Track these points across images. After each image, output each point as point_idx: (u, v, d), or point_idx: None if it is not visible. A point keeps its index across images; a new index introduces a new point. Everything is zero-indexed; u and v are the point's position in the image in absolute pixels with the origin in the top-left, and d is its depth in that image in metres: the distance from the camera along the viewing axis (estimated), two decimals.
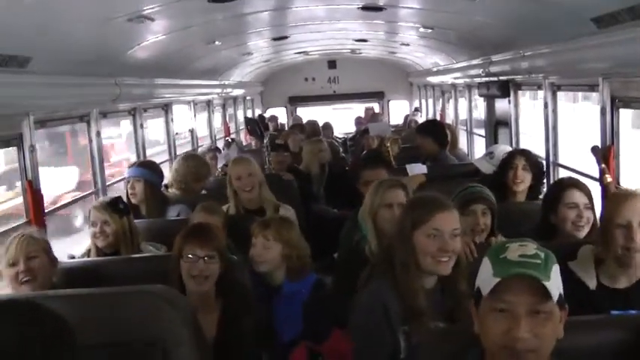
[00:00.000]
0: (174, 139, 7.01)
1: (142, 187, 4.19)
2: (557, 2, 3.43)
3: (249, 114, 11.68)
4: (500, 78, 5.75)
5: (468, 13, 4.54)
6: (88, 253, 3.45)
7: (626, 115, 3.94)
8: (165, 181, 4.68)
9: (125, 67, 4.69)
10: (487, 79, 6.09)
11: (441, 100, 10.05)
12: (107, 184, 5.08)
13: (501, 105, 6.39)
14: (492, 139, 6.81)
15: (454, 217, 2.43)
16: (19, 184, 4.03)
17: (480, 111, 7.71)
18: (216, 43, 5.96)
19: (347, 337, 2.60)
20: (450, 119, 9.01)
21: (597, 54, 3.52)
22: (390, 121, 11.91)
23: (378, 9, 5.15)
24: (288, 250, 3.19)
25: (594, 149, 3.80)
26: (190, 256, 2.74)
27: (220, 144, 8.58)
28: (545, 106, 4.87)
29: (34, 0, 2.71)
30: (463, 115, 8.37)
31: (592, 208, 3.08)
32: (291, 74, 12.25)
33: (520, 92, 5.79)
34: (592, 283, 2.49)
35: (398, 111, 12.74)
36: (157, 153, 7.81)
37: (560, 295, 1.67)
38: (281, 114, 12.50)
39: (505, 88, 5.76)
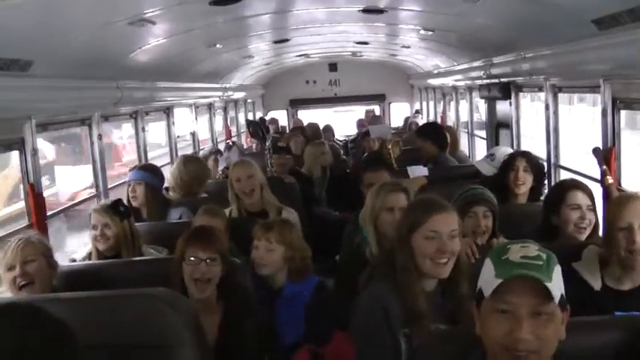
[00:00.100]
0: (176, 142, 7.02)
1: (143, 191, 4.20)
2: (557, 4, 3.43)
3: (251, 117, 11.67)
4: (501, 80, 5.74)
5: (469, 15, 4.54)
6: (88, 256, 3.45)
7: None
8: (165, 184, 4.68)
9: (127, 71, 4.70)
10: (488, 81, 6.08)
11: (442, 102, 10.04)
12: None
13: (502, 107, 6.39)
14: (493, 141, 6.81)
15: (451, 218, 2.41)
16: None
17: (481, 113, 7.71)
18: (218, 46, 5.97)
19: (349, 339, 2.59)
20: (451, 121, 9.01)
21: (598, 56, 3.52)
22: (391, 124, 11.89)
23: (379, 11, 5.15)
24: (290, 253, 3.19)
25: (595, 151, 3.78)
26: (192, 258, 2.74)
27: (222, 147, 8.57)
28: (547, 107, 4.87)
29: (35, 4, 2.72)
30: (464, 117, 8.37)
31: (594, 210, 3.08)
32: (292, 77, 12.24)
33: (521, 94, 5.79)
34: (597, 284, 2.49)
35: (399, 113, 12.74)
36: (158, 156, 7.81)
37: (562, 296, 1.67)
38: (282, 117, 12.50)
39: (506, 90, 5.75)
